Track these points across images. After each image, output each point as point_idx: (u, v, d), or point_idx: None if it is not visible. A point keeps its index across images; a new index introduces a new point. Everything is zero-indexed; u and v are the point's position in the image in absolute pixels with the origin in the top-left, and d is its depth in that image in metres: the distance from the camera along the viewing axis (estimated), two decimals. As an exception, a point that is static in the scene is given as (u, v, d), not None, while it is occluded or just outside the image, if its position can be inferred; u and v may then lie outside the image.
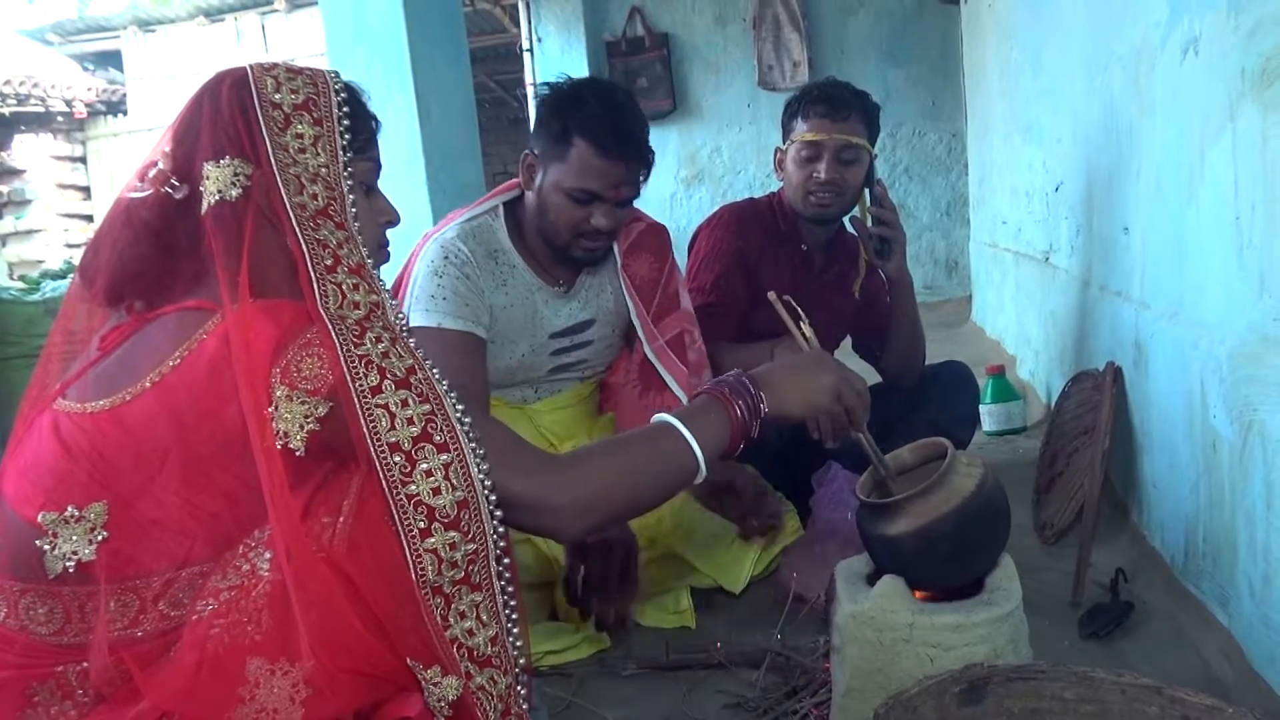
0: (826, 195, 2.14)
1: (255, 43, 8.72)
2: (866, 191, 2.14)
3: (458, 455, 0.95)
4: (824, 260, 2.30)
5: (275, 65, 1.07)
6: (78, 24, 9.11)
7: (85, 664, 0.94)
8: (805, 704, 1.40)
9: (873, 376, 2.30)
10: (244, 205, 0.99)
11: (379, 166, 1.17)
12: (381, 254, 1.17)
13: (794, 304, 1.41)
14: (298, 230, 0.99)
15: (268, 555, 0.93)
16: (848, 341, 2.45)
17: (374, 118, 1.15)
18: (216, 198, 0.99)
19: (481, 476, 0.96)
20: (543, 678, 1.57)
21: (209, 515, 0.94)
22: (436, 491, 0.94)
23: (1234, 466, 1.36)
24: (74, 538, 0.92)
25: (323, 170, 1.03)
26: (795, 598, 1.74)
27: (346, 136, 1.06)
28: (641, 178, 1.76)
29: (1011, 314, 3.95)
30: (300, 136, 1.03)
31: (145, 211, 1.03)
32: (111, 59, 9.34)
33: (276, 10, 8.60)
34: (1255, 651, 1.32)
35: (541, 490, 1.04)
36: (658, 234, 2.00)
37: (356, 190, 1.07)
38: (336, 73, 1.09)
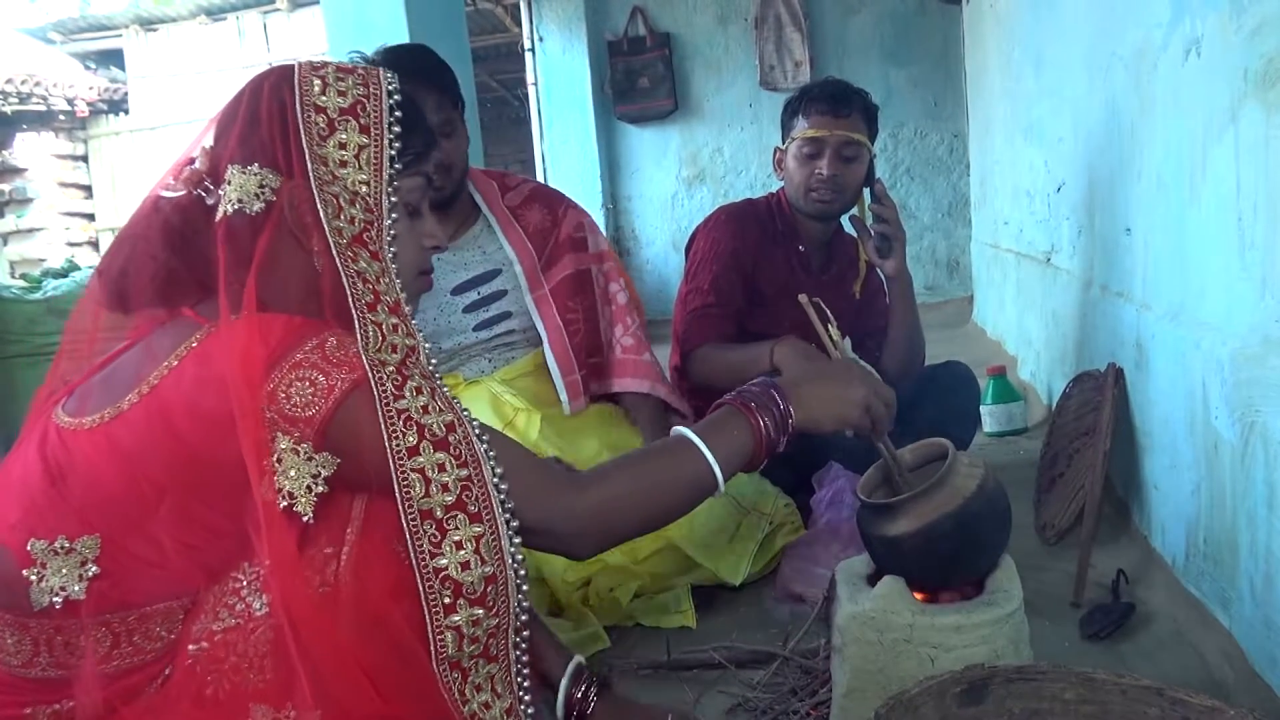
0: (827, 192, 2.15)
1: (257, 41, 8.73)
2: (866, 190, 2.14)
3: (490, 527, 0.91)
4: (822, 260, 2.30)
5: (325, 64, 0.99)
6: (79, 22, 9.12)
7: (57, 705, 0.91)
8: (805, 704, 1.40)
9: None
10: (263, 220, 0.94)
11: (430, 183, 1.09)
12: (423, 281, 1.11)
13: (823, 306, 1.40)
14: (338, 262, 0.92)
15: (265, 599, 0.88)
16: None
17: (430, 130, 1.08)
18: (235, 206, 0.93)
19: (513, 550, 0.92)
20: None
21: (187, 548, 0.91)
22: (465, 566, 0.89)
23: (1235, 468, 1.36)
24: (64, 571, 0.88)
25: (363, 188, 0.96)
26: (796, 598, 1.75)
27: (396, 146, 0.98)
28: (439, 105, 1.83)
29: (1013, 314, 3.95)
30: (344, 146, 0.96)
31: (171, 213, 0.98)
32: (113, 57, 9.35)
33: (278, 9, 8.60)
34: (1256, 653, 1.32)
35: (554, 516, 1.00)
36: (548, 191, 2.12)
37: (399, 211, 1.00)
38: (393, 75, 1.01)
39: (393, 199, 0.98)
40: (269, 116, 0.96)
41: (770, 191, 2.34)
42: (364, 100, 0.98)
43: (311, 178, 0.94)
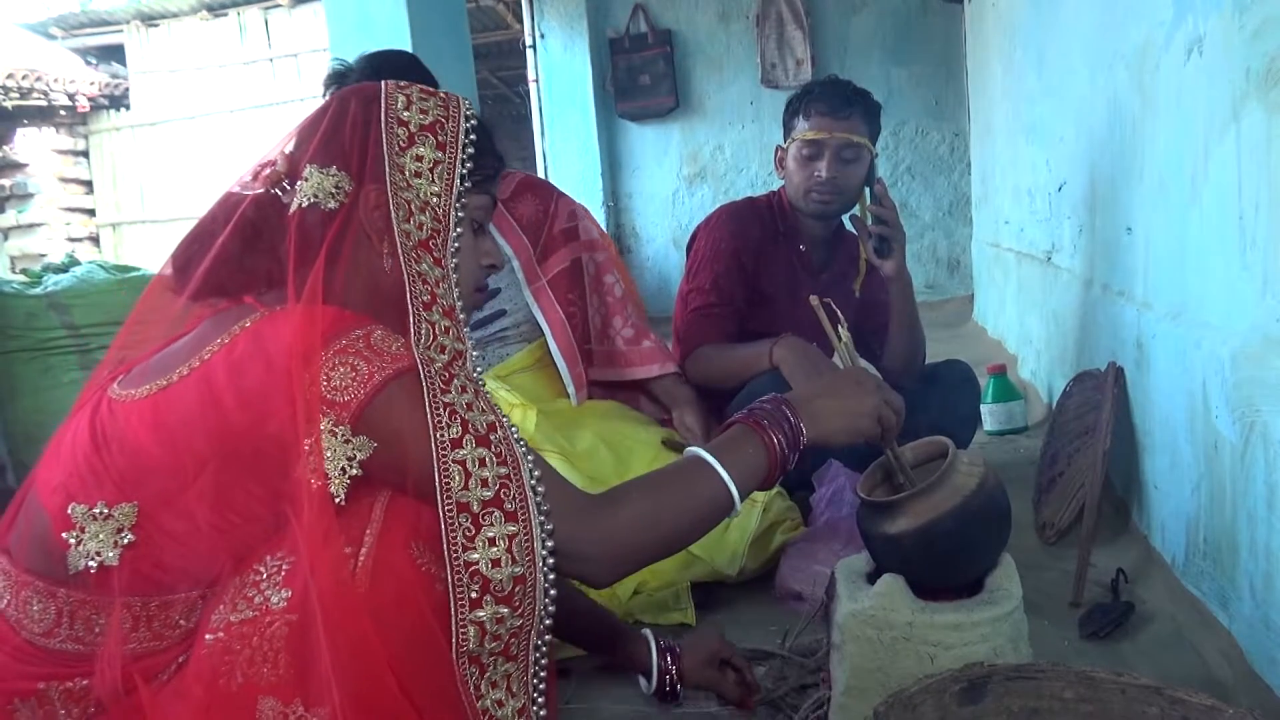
0: (826, 193, 2.15)
1: (258, 38, 8.71)
2: (866, 190, 2.14)
3: (525, 527, 0.92)
4: (823, 259, 2.30)
5: (410, 85, 1.06)
6: (80, 18, 9.11)
7: (70, 683, 0.93)
8: (805, 703, 1.40)
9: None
10: (333, 216, 0.98)
11: (495, 204, 1.15)
12: (479, 297, 1.16)
13: (834, 307, 1.40)
14: (403, 259, 0.97)
15: (285, 593, 0.90)
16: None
17: (499, 157, 1.13)
18: (310, 201, 0.98)
19: (545, 553, 0.93)
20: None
21: (217, 530, 0.93)
22: (496, 563, 0.90)
23: (1235, 467, 1.36)
24: (101, 536, 0.91)
25: (434, 199, 1.01)
26: (795, 596, 1.75)
27: (468, 165, 1.04)
28: None
29: (1013, 313, 3.95)
30: (420, 159, 1.01)
31: (246, 206, 1.02)
32: (114, 53, 9.33)
33: (280, 5, 8.59)
34: (1255, 652, 1.32)
35: (575, 540, 1.00)
36: (537, 181, 2.10)
37: (465, 225, 1.05)
38: (470, 101, 1.08)
39: (460, 214, 1.03)
40: (353, 125, 1.02)
41: (771, 190, 2.34)
42: (443, 120, 1.04)
43: (389, 183, 0.99)
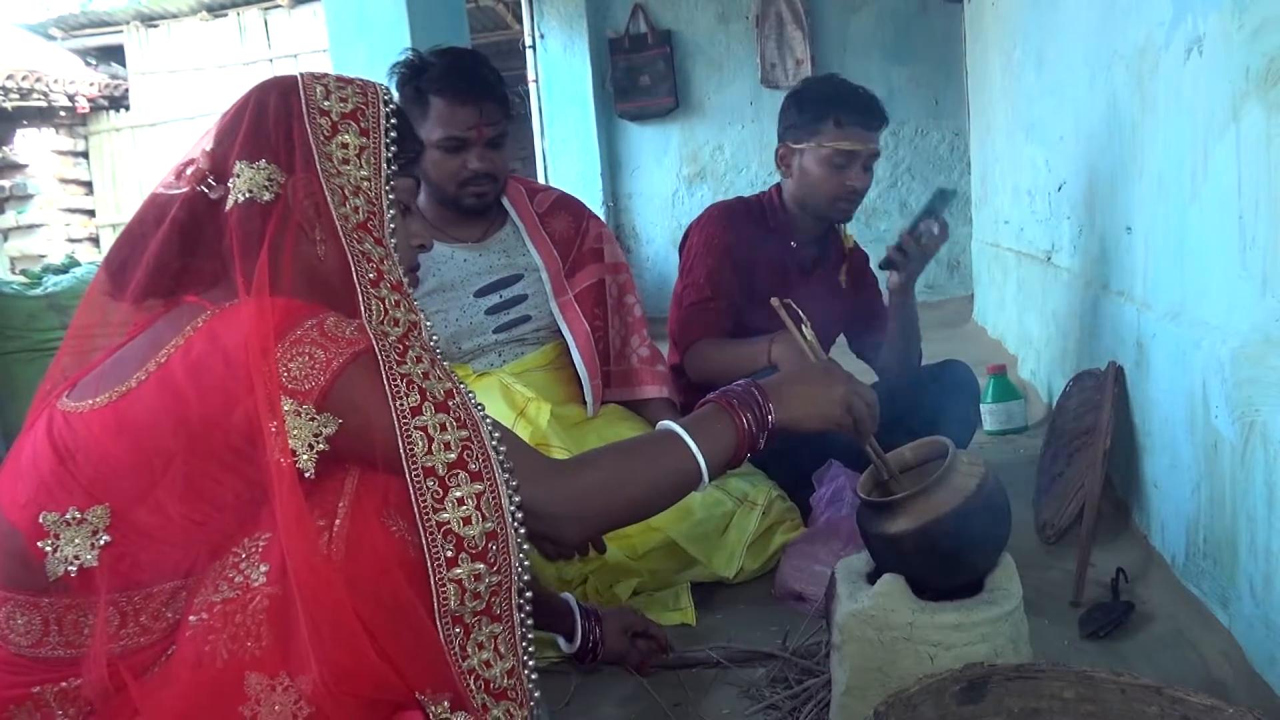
0: (853, 203, 2.20)
1: (258, 38, 8.72)
2: (932, 220, 2.14)
3: (490, 485, 0.94)
4: (814, 256, 2.31)
5: (325, 75, 1.07)
6: (80, 18, 9.11)
7: (64, 684, 0.94)
8: (805, 703, 1.40)
9: (870, 376, 2.30)
10: (270, 209, 0.99)
11: (419, 186, 1.17)
12: (412, 277, 1.16)
13: (795, 308, 1.42)
14: (345, 242, 0.99)
15: (263, 568, 0.91)
16: (842, 340, 2.45)
17: (419, 140, 1.16)
18: (246, 196, 0.99)
19: (512, 508, 0.95)
20: (542, 674, 1.57)
21: (191, 523, 0.94)
22: (467, 521, 0.93)
23: (1235, 467, 1.36)
24: (76, 540, 0.92)
25: (365, 184, 1.03)
26: (795, 596, 1.75)
27: (392, 149, 1.06)
28: (500, 117, 1.90)
29: (1013, 313, 3.95)
30: (345, 146, 1.03)
31: (177, 209, 1.03)
32: (114, 54, 9.33)
33: (279, 6, 8.59)
34: (1255, 652, 1.32)
35: (542, 497, 1.03)
36: (571, 199, 2.17)
37: (396, 207, 1.06)
38: (387, 86, 1.10)
39: (390, 196, 1.05)
40: (276, 117, 1.02)
41: (763, 190, 2.34)
42: (363, 107, 1.06)
43: (320, 171, 1.00)
